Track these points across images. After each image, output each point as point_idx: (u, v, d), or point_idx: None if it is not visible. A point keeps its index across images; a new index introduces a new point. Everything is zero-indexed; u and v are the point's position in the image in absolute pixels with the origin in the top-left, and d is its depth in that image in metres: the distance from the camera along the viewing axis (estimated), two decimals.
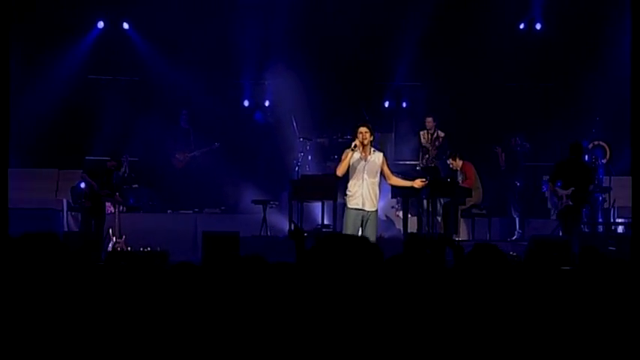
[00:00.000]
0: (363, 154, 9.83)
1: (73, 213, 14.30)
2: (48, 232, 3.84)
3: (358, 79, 16.50)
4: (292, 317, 3.61)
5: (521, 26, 16.57)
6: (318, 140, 15.34)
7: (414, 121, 15.76)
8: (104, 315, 3.80)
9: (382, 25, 16.11)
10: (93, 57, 16.28)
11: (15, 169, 11.89)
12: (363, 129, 9.74)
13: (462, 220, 13.80)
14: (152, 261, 10.17)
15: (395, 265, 3.94)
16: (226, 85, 16.63)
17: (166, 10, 15.56)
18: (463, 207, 13.65)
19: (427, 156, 14.54)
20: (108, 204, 13.70)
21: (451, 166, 14.06)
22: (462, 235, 13.64)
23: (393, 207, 14.55)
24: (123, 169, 14.63)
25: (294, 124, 15.27)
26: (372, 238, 9.42)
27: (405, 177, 11.11)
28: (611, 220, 14.38)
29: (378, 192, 9.93)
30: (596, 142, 15.03)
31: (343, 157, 9.90)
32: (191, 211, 15.04)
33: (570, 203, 12.35)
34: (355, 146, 9.75)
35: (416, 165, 14.86)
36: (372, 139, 9.81)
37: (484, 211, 13.94)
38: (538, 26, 16.53)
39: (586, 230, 13.80)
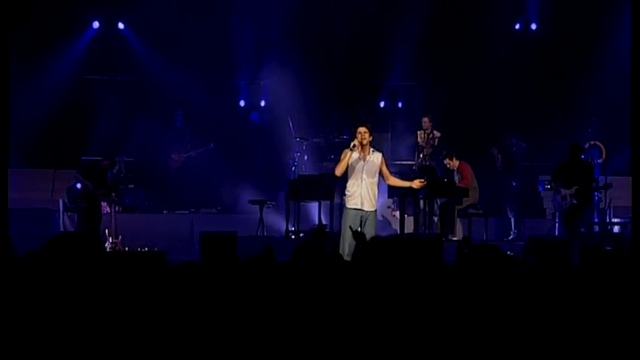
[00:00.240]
0: (362, 154, 9.83)
1: (69, 213, 14.27)
2: (85, 231, 3.87)
3: (354, 79, 16.51)
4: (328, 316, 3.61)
5: (517, 26, 16.58)
6: (314, 140, 15.34)
7: (410, 121, 15.76)
8: (126, 312, 3.79)
9: (378, 25, 16.14)
10: (88, 57, 16.26)
11: (11, 169, 11.81)
12: (362, 129, 9.75)
13: (458, 220, 13.81)
14: (150, 261, 10.14)
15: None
16: (222, 86, 16.61)
17: (162, 10, 15.55)
18: (460, 207, 13.66)
19: (422, 155, 14.55)
20: (104, 204, 13.68)
21: (448, 166, 14.07)
22: (459, 235, 13.64)
23: (389, 207, 14.55)
24: (117, 168, 14.57)
25: (290, 124, 15.27)
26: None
27: (401, 177, 11.12)
28: (607, 220, 14.41)
29: (376, 192, 9.94)
30: (592, 142, 15.07)
31: (342, 156, 9.91)
32: (187, 212, 15.03)
33: (575, 202, 12.44)
34: (354, 146, 9.76)
35: (412, 165, 14.86)
36: (371, 139, 9.82)
37: (480, 211, 13.95)
38: (533, 26, 16.55)
39: (582, 230, 13.83)
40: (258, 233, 13.68)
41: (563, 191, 12.57)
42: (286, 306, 4.06)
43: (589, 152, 14.79)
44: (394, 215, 14.31)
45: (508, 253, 9.84)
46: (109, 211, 13.62)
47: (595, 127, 15.47)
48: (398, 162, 15.13)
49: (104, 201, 13.43)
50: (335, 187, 12.76)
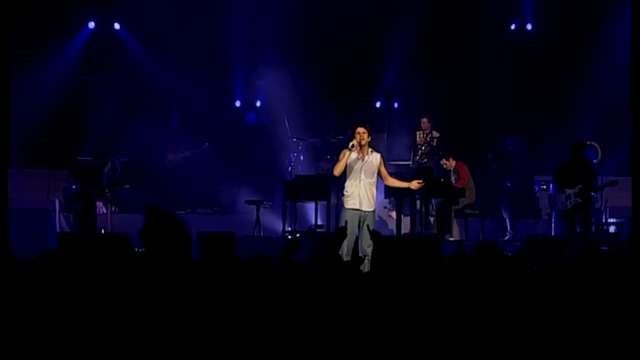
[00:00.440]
0: (361, 155, 9.84)
1: (65, 214, 14.24)
2: (119, 233, 3.88)
3: (350, 79, 16.50)
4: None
5: (513, 27, 16.61)
6: (310, 140, 15.33)
7: (406, 121, 15.78)
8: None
9: (374, 25, 16.14)
10: (84, 57, 16.22)
11: None
12: (361, 129, 9.76)
13: (455, 220, 13.81)
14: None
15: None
16: (218, 86, 16.60)
17: (157, 11, 15.51)
18: (456, 207, 13.67)
19: (419, 154, 14.56)
20: (100, 204, 13.65)
21: (444, 166, 14.08)
22: (455, 235, 13.65)
23: (385, 207, 14.56)
24: (109, 166, 14.47)
25: (286, 124, 15.26)
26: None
27: (398, 177, 11.12)
28: (603, 220, 14.43)
29: (375, 192, 9.96)
30: (588, 143, 15.07)
31: (341, 156, 9.92)
32: (183, 212, 14.98)
33: (579, 201, 12.49)
34: (353, 146, 9.77)
35: (409, 165, 14.88)
36: (370, 139, 9.83)
37: (477, 212, 13.96)
38: (529, 27, 16.58)
39: (578, 230, 13.85)
40: (255, 233, 13.66)
41: (568, 190, 12.62)
42: (290, 306, 4.06)
43: (585, 153, 14.80)
44: (390, 215, 14.32)
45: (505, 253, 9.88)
46: (105, 211, 13.59)
47: (591, 128, 15.50)
48: (394, 162, 15.14)
49: (99, 201, 13.40)
50: (332, 187, 12.77)
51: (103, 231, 13.06)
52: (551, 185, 14.89)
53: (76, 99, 16.04)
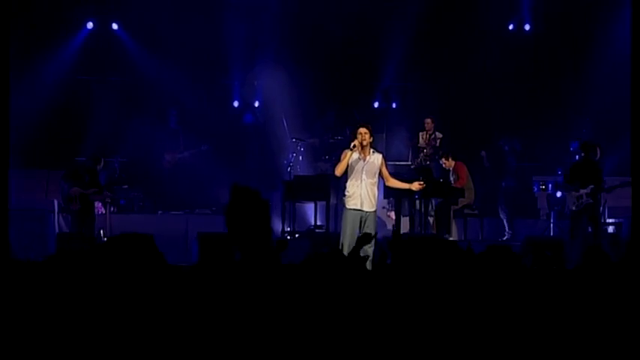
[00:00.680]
0: (362, 155, 9.85)
1: (63, 214, 14.20)
2: (143, 234, 3.85)
3: (349, 79, 16.51)
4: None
5: (511, 27, 16.63)
6: (309, 141, 15.33)
7: (405, 121, 15.79)
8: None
9: (372, 25, 16.14)
10: (82, 58, 16.21)
11: None
12: (362, 130, 9.77)
13: (454, 220, 13.82)
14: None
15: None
16: (216, 86, 16.60)
17: (156, 11, 15.52)
18: (455, 207, 13.67)
19: (421, 155, 14.58)
20: (98, 205, 13.63)
21: (444, 165, 14.09)
22: (454, 235, 13.66)
23: (384, 207, 14.56)
24: (102, 163, 14.36)
25: (285, 124, 15.26)
26: None
27: (397, 177, 11.11)
28: (602, 221, 14.44)
29: (376, 193, 9.98)
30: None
31: (342, 156, 9.93)
32: (182, 212, 14.99)
33: (591, 201, 12.53)
34: (354, 146, 9.77)
35: (407, 165, 14.88)
36: (371, 140, 9.84)
37: (476, 212, 13.98)
38: (527, 27, 16.59)
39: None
40: None
41: (581, 190, 12.66)
42: (294, 306, 4.05)
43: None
44: (389, 216, 14.33)
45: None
46: (103, 211, 13.56)
47: (589, 128, 15.52)
48: (392, 162, 15.14)
49: (97, 200, 13.38)
50: (331, 187, 12.77)
51: (102, 232, 13.03)
52: (550, 185, 14.92)
53: (75, 99, 16.03)
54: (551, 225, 14.29)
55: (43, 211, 13.92)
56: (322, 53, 16.19)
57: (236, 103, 16.82)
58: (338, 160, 10.18)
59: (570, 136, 15.58)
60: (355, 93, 16.61)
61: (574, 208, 12.85)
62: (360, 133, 9.77)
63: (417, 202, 12.92)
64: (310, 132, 15.61)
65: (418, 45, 16.09)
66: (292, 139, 14.92)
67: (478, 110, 15.91)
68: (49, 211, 13.95)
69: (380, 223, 14.48)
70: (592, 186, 12.54)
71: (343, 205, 10.10)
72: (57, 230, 13.65)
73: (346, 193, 9.96)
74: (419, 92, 16.52)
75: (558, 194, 14.68)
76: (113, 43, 16.38)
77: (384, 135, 16.11)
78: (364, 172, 9.84)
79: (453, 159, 14.04)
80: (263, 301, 3.97)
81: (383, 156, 10.12)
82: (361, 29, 16.13)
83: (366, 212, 9.82)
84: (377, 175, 9.94)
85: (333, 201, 12.80)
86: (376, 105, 16.82)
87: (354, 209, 9.83)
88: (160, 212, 15.14)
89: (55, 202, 14.30)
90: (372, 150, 9.92)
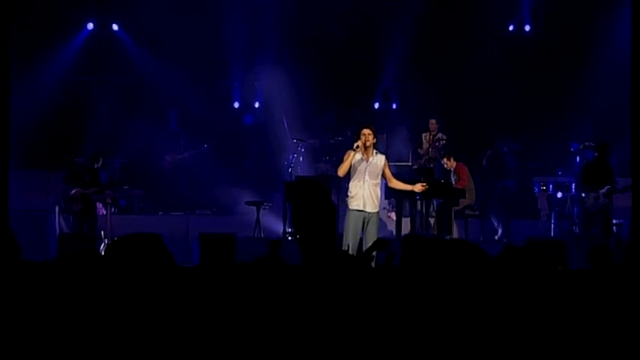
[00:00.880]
0: (365, 156, 9.85)
1: (64, 215, 14.19)
2: (152, 233, 3.85)
3: (349, 80, 16.52)
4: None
5: (511, 28, 16.64)
6: (310, 141, 15.33)
7: (405, 122, 15.79)
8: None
9: (373, 26, 16.15)
10: (83, 58, 16.21)
11: None
12: (366, 130, 9.78)
13: (455, 221, 13.82)
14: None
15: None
16: (216, 87, 16.60)
17: (156, 12, 15.50)
18: (456, 208, 13.67)
19: (425, 159, 14.59)
20: (99, 205, 13.61)
21: (445, 166, 14.08)
22: (455, 236, 13.65)
23: (384, 208, 14.55)
24: (100, 162, 14.33)
25: (285, 125, 15.26)
26: (374, 239, 9.43)
27: (398, 178, 11.11)
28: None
29: (379, 194, 10.00)
30: (587, 143, 15.10)
31: (345, 157, 9.94)
32: (182, 213, 14.99)
33: (607, 201, 12.62)
34: (357, 147, 9.77)
35: (407, 166, 14.88)
36: (374, 141, 9.85)
37: (477, 212, 13.98)
38: (527, 28, 16.61)
39: (576, 231, 13.87)
40: (256, 234, 13.65)
41: (600, 191, 12.73)
42: (297, 307, 4.04)
43: (584, 153, 14.84)
44: (390, 216, 14.32)
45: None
46: (104, 212, 13.55)
47: (589, 128, 15.53)
48: (392, 163, 15.12)
49: (98, 200, 13.36)
50: (331, 188, 12.75)
51: (102, 232, 13.01)
52: (550, 186, 14.91)
53: (75, 100, 16.03)
54: (552, 226, 14.29)
55: (44, 212, 13.93)
56: (322, 53, 16.19)
57: (236, 104, 16.83)
58: (339, 161, 10.20)
59: (570, 136, 15.59)
60: (355, 93, 16.61)
61: (592, 209, 12.89)
62: (364, 134, 9.78)
63: (418, 202, 12.92)
64: (310, 132, 15.60)
65: (418, 45, 16.09)
66: (293, 139, 14.92)
67: (478, 111, 15.91)
68: (50, 212, 13.95)
69: (381, 223, 14.49)
70: (609, 186, 12.65)
71: (346, 205, 10.10)
72: (57, 231, 13.65)
73: (349, 194, 9.97)
74: (419, 93, 16.53)
75: (559, 195, 14.70)
76: (113, 43, 16.38)
77: (385, 135, 16.09)
78: (367, 173, 9.85)
79: (454, 160, 14.04)
80: (267, 303, 3.97)
81: (386, 157, 10.13)
82: (361, 29, 16.14)
83: (369, 213, 9.83)
84: (379, 176, 9.96)
85: (334, 202, 12.78)
86: (376, 105, 16.81)
87: (357, 210, 9.84)
88: (160, 213, 15.15)
89: (56, 204, 14.29)
90: (374, 151, 9.93)
